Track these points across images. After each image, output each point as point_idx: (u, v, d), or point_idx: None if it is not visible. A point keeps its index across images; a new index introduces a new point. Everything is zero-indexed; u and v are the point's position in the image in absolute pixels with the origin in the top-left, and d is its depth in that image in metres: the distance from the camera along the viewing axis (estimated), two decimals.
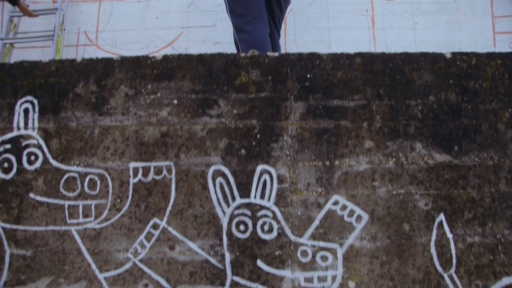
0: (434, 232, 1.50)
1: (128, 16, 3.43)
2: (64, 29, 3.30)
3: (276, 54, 1.54)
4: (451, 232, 1.50)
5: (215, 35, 3.31)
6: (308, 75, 1.53)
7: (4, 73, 1.66)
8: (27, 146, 1.60)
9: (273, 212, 1.51)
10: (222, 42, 3.20)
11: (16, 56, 3.35)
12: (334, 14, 3.33)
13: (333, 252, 1.48)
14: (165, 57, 1.56)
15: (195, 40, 3.32)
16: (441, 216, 1.52)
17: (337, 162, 1.52)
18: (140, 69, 1.56)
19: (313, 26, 3.30)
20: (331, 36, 3.29)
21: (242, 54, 1.54)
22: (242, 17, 2.33)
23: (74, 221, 1.56)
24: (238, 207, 1.52)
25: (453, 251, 1.49)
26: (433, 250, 1.49)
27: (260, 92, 1.52)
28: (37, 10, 3.34)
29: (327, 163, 1.51)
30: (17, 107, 1.63)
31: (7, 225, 1.55)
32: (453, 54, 1.60)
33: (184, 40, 3.30)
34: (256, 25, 2.30)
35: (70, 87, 1.61)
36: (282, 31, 3.30)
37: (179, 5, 3.38)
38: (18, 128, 1.62)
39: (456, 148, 1.54)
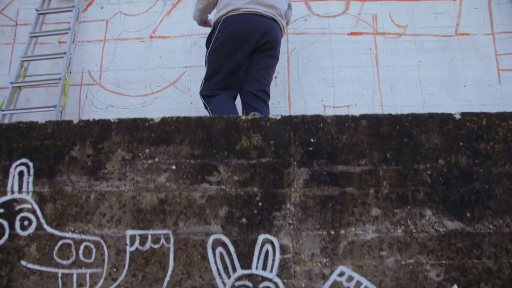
0: None
1: (132, 55, 3.43)
2: (70, 72, 3.30)
3: (278, 117, 1.49)
4: None
5: None
6: (312, 139, 1.47)
7: (0, 134, 1.62)
8: (20, 210, 1.55)
9: (276, 284, 1.43)
10: None
11: (23, 96, 3.36)
12: (337, 52, 3.31)
13: None
14: (163, 120, 1.52)
15: (198, 79, 3.29)
16: None
17: (342, 231, 1.44)
18: (137, 132, 1.52)
19: (316, 64, 3.28)
20: (335, 75, 3.26)
21: (243, 117, 1.49)
22: (218, 83, 2.42)
23: None
24: (239, 279, 1.44)
25: None
26: None
27: (261, 158, 1.46)
28: (45, 55, 3.37)
29: (332, 232, 1.44)
30: (11, 170, 1.59)
31: None
32: (462, 115, 1.54)
33: (187, 79, 3.29)
34: (229, 96, 2.38)
35: (66, 150, 1.57)
36: (285, 70, 3.29)
37: (182, 45, 3.38)
38: (12, 192, 1.57)
39: (468, 214, 1.47)
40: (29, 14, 3.62)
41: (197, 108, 2.86)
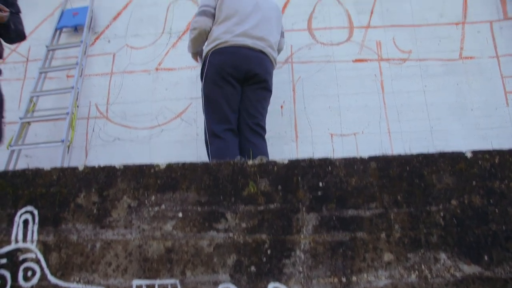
0: None
1: (138, 88, 3.46)
2: (78, 106, 3.33)
3: (286, 161, 1.47)
4: None
5: None
6: (320, 184, 1.45)
7: (6, 181, 1.62)
8: (24, 260, 1.53)
9: None
10: None
11: (31, 130, 3.40)
12: (342, 80, 3.31)
13: None
14: (169, 166, 1.50)
15: None
16: None
17: (354, 278, 1.40)
18: (143, 179, 1.51)
19: (322, 93, 3.28)
20: (341, 103, 3.25)
21: (250, 162, 1.47)
22: (217, 119, 2.40)
23: None
24: None
25: None
26: None
27: (269, 204, 1.44)
28: (54, 90, 3.42)
29: (344, 279, 1.40)
30: (16, 218, 1.57)
31: None
32: (474, 153, 1.51)
33: (193, 111, 3.30)
34: (229, 133, 2.37)
35: (71, 197, 1.56)
36: (291, 99, 3.29)
37: (188, 76, 3.41)
38: (16, 241, 1.55)
39: (486, 257, 1.41)
40: (39, 50, 3.70)
41: (203, 140, 2.84)
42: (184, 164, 1.51)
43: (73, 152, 3.29)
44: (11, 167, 3.23)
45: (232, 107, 2.45)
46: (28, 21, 3.85)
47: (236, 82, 2.46)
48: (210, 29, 2.53)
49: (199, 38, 2.59)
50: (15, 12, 2.64)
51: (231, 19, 2.47)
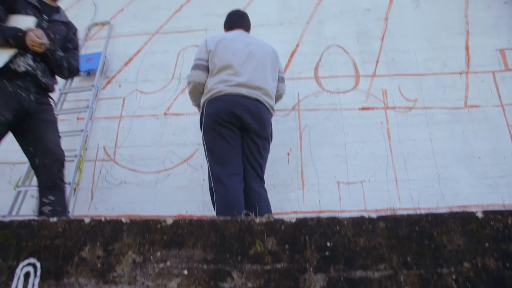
0: None
1: (146, 132, 3.51)
2: (86, 149, 3.37)
3: (293, 219, 1.45)
4: None
5: None
6: (328, 243, 1.42)
7: (10, 232, 1.61)
8: None
9: None
10: None
11: None
12: (349, 128, 3.33)
13: None
14: (176, 222, 1.49)
15: None
16: None
17: None
18: (149, 234, 1.49)
19: (328, 140, 3.29)
20: (347, 150, 3.26)
21: (257, 220, 1.46)
22: (221, 166, 2.39)
23: None
24: None
25: None
26: None
27: (276, 263, 1.41)
28: (64, 132, 3.47)
29: None
30: (17, 270, 1.54)
31: None
32: (485, 213, 1.48)
33: (199, 156, 3.32)
34: (234, 180, 2.35)
35: (75, 250, 1.54)
36: (297, 146, 3.30)
37: (195, 122, 3.45)
38: None
39: None
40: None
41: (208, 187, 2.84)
42: (191, 221, 1.49)
43: (78, 194, 3.29)
44: (16, 208, 3.23)
45: (234, 150, 2.44)
46: None
47: (234, 127, 2.47)
48: (205, 81, 2.59)
49: (195, 91, 2.65)
50: (73, 48, 2.69)
51: (225, 70, 2.53)
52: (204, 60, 2.62)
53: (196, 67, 2.62)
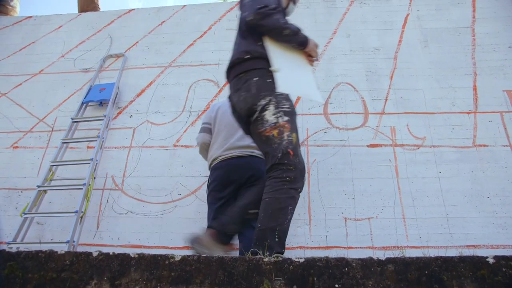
0: None
1: (155, 162, 3.54)
2: (95, 178, 3.40)
3: (302, 259, 1.44)
4: None
5: None
6: (337, 285, 1.40)
7: (17, 263, 1.60)
8: None
9: None
10: None
11: (46, 198, 3.44)
12: (357, 164, 3.34)
13: None
14: (184, 258, 1.49)
15: None
16: None
17: None
18: (157, 270, 1.49)
19: (336, 176, 3.29)
20: (355, 187, 3.25)
21: (266, 259, 1.45)
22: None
23: None
24: None
25: None
26: None
27: None
28: (73, 160, 3.52)
29: None
30: None
31: None
32: (496, 258, 1.46)
33: None
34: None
35: (82, 284, 1.53)
36: (305, 182, 3.29)
37: None
38: None
39: None
40: (65, 121, 3.88)
41: None
42: (199, 258, 1.49)
43: (85, 222, 3.29)
44: (21, 234, 3.23)
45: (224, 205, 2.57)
46: (59, 93, 4.11)
47: (234, 188, 2.57)
48: (210, 142, 2.79)
49: (203, 151, 2.87)
50: None
51: (221, 134, 2.71)
52: (208, 123, 2.84)
53: (202, 129, 2.86)
